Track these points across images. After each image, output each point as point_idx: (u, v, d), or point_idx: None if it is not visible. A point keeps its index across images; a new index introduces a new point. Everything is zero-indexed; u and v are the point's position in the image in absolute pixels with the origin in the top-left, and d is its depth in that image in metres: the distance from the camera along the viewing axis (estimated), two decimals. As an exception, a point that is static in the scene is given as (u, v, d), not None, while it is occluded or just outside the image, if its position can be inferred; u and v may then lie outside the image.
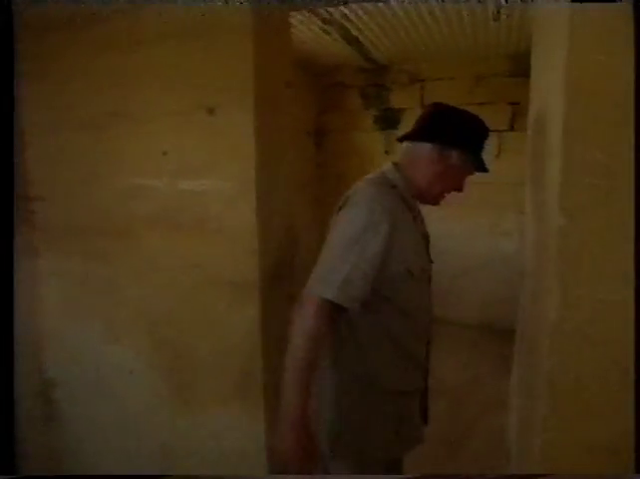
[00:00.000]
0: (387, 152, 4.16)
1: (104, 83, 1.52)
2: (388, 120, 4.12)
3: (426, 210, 1.31)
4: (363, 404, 1.20)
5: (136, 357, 1.70)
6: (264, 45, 1.38)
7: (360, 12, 2.74)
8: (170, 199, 1.52)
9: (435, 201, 1.28)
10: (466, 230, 3.96)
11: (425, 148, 1.22)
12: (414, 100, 4.00)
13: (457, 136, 1.20)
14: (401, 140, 1.28)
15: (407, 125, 4.10)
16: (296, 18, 2.81)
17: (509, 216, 3.76)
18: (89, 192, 1.63)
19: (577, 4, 0.75)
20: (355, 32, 3.15)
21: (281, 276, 1.55)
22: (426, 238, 1.29)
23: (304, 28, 3.02)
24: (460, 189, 1.26)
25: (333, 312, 1.07)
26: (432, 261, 1.31)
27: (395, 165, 1.26)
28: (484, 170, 1.23)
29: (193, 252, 1.51)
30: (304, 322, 1.07)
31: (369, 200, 1.12)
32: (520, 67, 3.63)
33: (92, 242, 1.66)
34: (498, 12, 2.70)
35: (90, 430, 1.82)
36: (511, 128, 3.74)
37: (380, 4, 2.56)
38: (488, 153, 1.33)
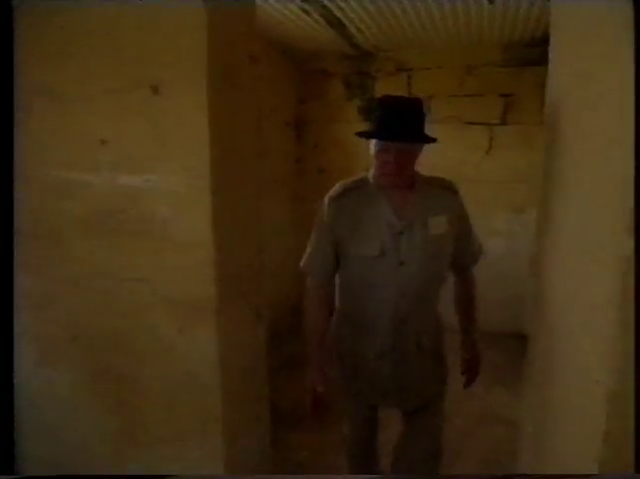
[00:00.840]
0: (371, 145, 3.92)
1: (21, 55, 1.23)
2: (372, 111, 3.86)
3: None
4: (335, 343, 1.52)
5: (72, 385, 1.43)
6: (221, 9, 1.12)
7: (342, -11, 2.48)
8: (109, 197, 1.24)
9: (383, 182, 1.38)
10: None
11: None
12: (400, 90, 3.75)
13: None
14: None
15: (393, 117, 3.86)
16: (272, -6, 2.54)
17: (500, 215, 3.56)
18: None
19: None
20: (337, 13, 2.88)
21: (244, 292, 1.29)
22: (392, 225, 1.37)
23: (281, 7, 2.74)
24: (388, 164, 1.32)
25: (317, 283, 1.46)
26: (426, 250, 1.38)
27: None
28: (385, 136, 1.31)
29: (137, 263, 1.25)
30: (306, 293, 1.48)
31: (325, 197, 1.41)
32: (514, 57, 3.41)
33: (16, 249, 1.37)
34: (494, -7, 2.47)
35: (20, 470, 1.54)
36: (503, 122, 3.52)
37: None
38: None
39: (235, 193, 1.23)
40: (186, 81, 1.10)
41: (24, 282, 1.40)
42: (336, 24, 3.15)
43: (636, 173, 0.67)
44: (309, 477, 1.95)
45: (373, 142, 1.35)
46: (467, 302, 1.64)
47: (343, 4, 2.73)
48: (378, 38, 3.40)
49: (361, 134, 1.41)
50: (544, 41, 3.38)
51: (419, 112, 1.37)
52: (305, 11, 2.83)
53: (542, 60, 3.42)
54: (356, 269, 1.40)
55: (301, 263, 1.46)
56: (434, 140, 1.37)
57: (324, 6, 2.76)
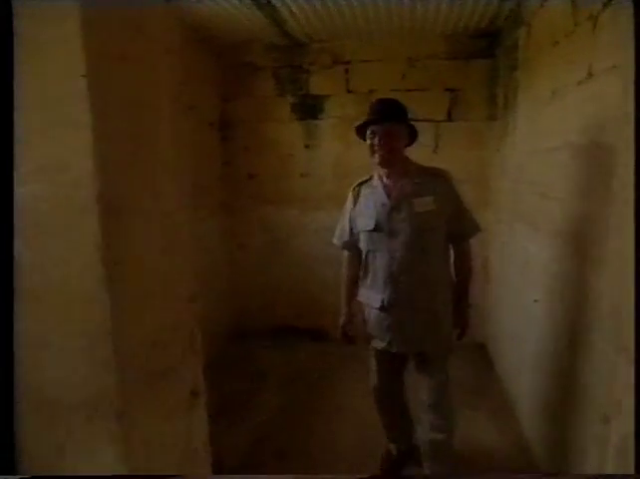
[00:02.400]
0: (307, 146, 3.51)
1: None
2: (307, 108, 3.46)
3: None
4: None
5: None
6: None
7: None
8: None
9: (377, 164, 1.78)
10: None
11: None
12: (337, 85, 3.39)
13: None
14: None
15: (330, 114, 3.48)
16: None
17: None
18: None
19: None
20: (268, -10, 2.46)
21: (170, 367, 0.81)
22: (384, 205, 1.78)
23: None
24: (375, 145, 1.73)
25: (347, 252, 2.01)
26: (408, 220, 1.75)
27: None
28: (373, 121, 1.73)
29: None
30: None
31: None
32: (458, 49, 3.18)
33: None
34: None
35: None
36: (449, 118, 3.28)
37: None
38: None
39: (146, 210, 0.75)
40: (50, 19, 0.61)
41: None
42: (265, 7, 2.72)
43: (636, 173, 0.74)
44: (308, 477, 1.96)
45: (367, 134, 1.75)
46: (460, 273, 1.92)
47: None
48: (313, 25, 3.02)
49: (356, 127, 1.80)
50: (490, 33, 3.19)
51: (398, 105, 1.76)
52: (229, -14, 2.38)
53: (488, 53, 3.24)
54: (364, 240, 1.85)
55: (334, 238, 2.02)
56: (412, 127, 1.79)
57: (251, -20, 2.32)
